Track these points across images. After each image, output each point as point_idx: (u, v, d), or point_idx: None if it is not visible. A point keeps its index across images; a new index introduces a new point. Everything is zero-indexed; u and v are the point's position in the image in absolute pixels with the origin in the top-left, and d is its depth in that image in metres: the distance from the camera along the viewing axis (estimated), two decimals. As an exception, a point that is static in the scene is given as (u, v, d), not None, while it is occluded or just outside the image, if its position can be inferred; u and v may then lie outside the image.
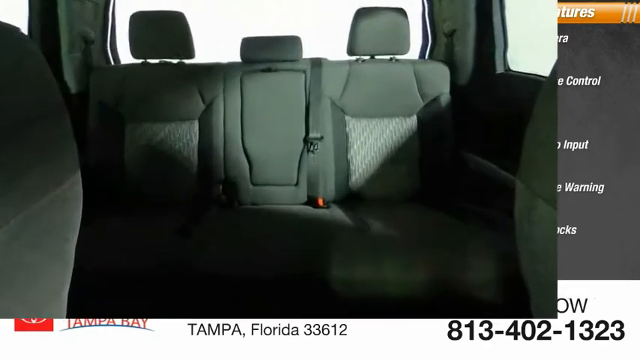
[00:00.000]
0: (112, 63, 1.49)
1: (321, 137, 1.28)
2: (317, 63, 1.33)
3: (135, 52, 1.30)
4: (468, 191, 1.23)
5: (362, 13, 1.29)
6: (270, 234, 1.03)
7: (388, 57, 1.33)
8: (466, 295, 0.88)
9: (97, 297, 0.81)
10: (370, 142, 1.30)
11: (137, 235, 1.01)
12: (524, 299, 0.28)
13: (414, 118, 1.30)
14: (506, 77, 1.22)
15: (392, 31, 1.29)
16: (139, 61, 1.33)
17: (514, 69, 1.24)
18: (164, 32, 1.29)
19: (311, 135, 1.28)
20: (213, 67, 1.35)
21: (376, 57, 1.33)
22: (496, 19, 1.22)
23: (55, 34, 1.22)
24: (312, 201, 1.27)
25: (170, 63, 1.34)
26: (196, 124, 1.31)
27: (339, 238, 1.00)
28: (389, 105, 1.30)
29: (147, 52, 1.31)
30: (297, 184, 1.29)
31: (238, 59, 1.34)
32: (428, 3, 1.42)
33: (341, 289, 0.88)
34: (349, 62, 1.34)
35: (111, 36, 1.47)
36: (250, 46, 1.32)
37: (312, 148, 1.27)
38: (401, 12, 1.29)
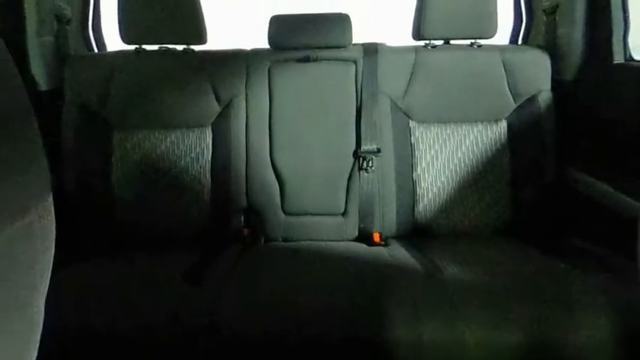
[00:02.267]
0: (96, 50, 1.22)
1: (378, 150, 1.01)
2: (372, 50, 1.05)
3: (126, 35, 1.02)
4: (577, 223, 1.01)
5: None
6: (307, 282, 0.83)
7: (468, 42, 1.07)
8: (582, 357, 0.73)
9: (94, 350, 0.72)
10: (444, 156, 1.03)
11: (132, 284, 0.82)
12: None
13: (504, 123, 1.04)
14: (628, 69, 0.97)
15: (473, 7, 1.04)
16: (132, 47, 1.05)
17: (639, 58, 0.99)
18: (165, 10, 1.02)
19: (364, 147, 1.00)
20: (231, 55, 1.08)
21: (452, 42, 1.08)
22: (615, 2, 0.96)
23: (18, 11, 0.95)
24: (365, 236, 1.01)
25: (174, 50, 1.07)
26: (209, 132, 1.03)
27: (401, 287, 0.81)
28: (469, 106, 1.04)
29: (142, 35, 1.03)
30: (344, 213, 1.03)
31: (265, 45, 1.07)
32: (521, -31, 1.15)
33: (405, 354, 0.71)
34: (415, 49, 1.07)
35: (94, 14, 1.20)
36: (282, 27, 1.05)
37: (365, 165, 1.00)
38: None
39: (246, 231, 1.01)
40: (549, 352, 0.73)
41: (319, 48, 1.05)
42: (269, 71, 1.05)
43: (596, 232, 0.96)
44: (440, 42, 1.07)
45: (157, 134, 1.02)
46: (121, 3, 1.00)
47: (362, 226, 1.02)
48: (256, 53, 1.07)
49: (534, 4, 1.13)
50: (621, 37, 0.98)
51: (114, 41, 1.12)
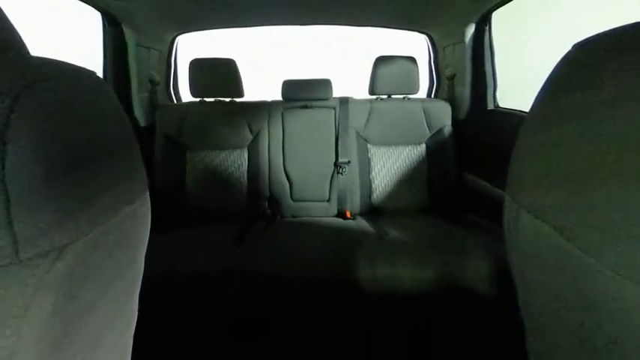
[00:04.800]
0: (175, 101, 1.49)
1: (349, 162, 1.31)
2: (344, 101, 1.36)
3: (194, 92, 1.31)
4: (470, 205, 1.27)
5: (381, 61, 1.32)
6: (308, 241, 1.05)
7: (402, 96, 1.37)
8: (467, 286, 0.90)
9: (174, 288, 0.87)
10: (388, 165, 1.33)
11: (199, 244, 1.02)
12: (513, 290, 0.28)
13: (423, 145, 1.33)
14: (496, 113, 1.27)
15: (405, 75, 1.33)
16: (197, 99, 1.34)
17: (502, 106, 1.29)
18: (219, 76, 1.30)
19: (340, 160, 1.31)
20: (259, 104, 1.37)
21: (392, 96, 1.38)
22: (487, 65, 1.27)
23: (126, 77, 1.23)
24: (341, 214, 1.30)
25: (223, 101, 1.35)
26: (245, 152, 1.32)
27: (363, 244, 1.01)
28: (403, 135, 1.33)
29: (204, 92, 1.31)
30: (329, 200, 1.32)
31: (278, 98, 1.36)
32: (433, 52, 1.46)
33: (365, 285, 0.89)
34: (370, 100, 1.37)
35: (173, 79, 1.47)
36: (290, 87, 1.34)
37: (341, 171, 1.30)
38: (412, 60, 1.33)
39: (269, 211, 1.28)
40: (452, 282, 0.91)
41: (313, 100, 1.34)
42: (282, 114, 1.33)
43: (481, 210, 1.20)
44: (385, 96, 1.36)
45: (213, 153, 1.30)
46: (190, 72, 1.29)
47: (339, 207, 1.29)
48: (274, 102, 1.36)
49: (440, 73, 1.44)
50: (492, 93, 1.29)
51: (186, 95, 1.39)
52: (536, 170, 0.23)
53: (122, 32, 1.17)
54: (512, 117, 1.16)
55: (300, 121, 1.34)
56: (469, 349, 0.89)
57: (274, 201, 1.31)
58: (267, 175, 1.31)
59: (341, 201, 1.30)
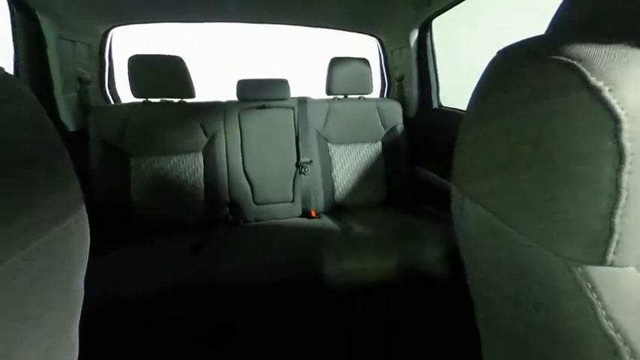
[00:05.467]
0: (112, 102, 1.31)
1: (310, 161, 1.29)
2: (303, 101, 1.34)
3: (136, 92, 1.16)
4: (424, 197, 1.34)
5: (335, 62, 1.33)
6: (273, 244, 1.01)
7: (357, 96, 1.40)
8: (425, 270, 0.95)
9: (127, 310, 0.78)
10: (348, 163, 1.35)
11: (153, 259, 0.92)
12: (463, 269, 0.30)
13: (379, 143, 1.38)
14: (439, 111, 1.36)
15: (359, 76, 1.36)
16: (141, 100, 1.19)
17: (444, 104, 1.39)
18: (164, 74, 1.17)
19: (302, 160, 1.29)
20: (213, 105, 1.27)
21: (348, 96, 1.40)
22: (430, 67, 1.36)
23: (46, 74, 1.03)
24: (306, 213, 1.28)
25: (171, 102, 1.23)
26: (201, 155, 1.22)
27: (329, 241, 1.01)
28: (360, 134, 1.36)
29: (148, 92, 1.18)
30: (292, 200, 1.29)
31: (233, 98, 1.29)
32: (383, 55, 1.52)
33: (333, 280, 0.89)
34: (328, 100, 1.38)
35: (109, 77, 1.29)
36: (246, 87, 1.28)
37: (303, 171, 1.28)
38: (365, 61, 1.36)
39: (230, 217, 1.20)
40: (412, 268, 0.94)
41: (270, 100, 1.29)
42: (239, 115, 1.26)
43: (433, 200, 1.27)
44: (341, 96, 1.38)
45: (163, 158, 1.17)
46: (130, 70, 1.14)
47: (304, 207, 1.27)
48: (230, 103, 1.28)
49: (391, 75, 1.51)
50: (436, 93, 1.39)
51: (126, 95, 1.23)
52: (474, 162, 0.25)
53: (37, 21, 0.98)
54: (453, 115, 1.26)
55: (259, 121, 1.29)
56: (430, 325, 0.94)
57: (235, 206, 1.24)
58: (227, 179, 1.24)
59: (305, 201, 1.29)
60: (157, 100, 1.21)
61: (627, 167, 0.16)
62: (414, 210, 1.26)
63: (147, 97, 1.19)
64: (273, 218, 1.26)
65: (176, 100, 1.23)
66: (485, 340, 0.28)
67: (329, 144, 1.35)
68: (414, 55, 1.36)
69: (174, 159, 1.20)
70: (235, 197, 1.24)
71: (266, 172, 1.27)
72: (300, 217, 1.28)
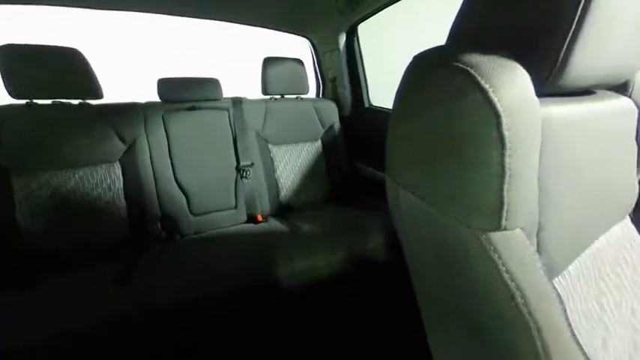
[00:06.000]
0: None
1: (252, 164, 1.24)
2: (238, 101, 1.27)
3: (14, 91, 0.91)
4: (362, 189, 1.39)
5: (269, 62, 1.30)
6: (218, 255, 0.92)
7: (294, 96, 1.40)
8: (370, 257, 0.98)
9: None
10: (291, 163, 1.33)
11: (60, 298, 0.73)
12: (402, 252, 0.33)
13: (319, 141, 1.40)
14: (370, 110, 1.44)
15: (295, 76, 1.36)
16: (23, 102, 0.94)
17: (374, 104, 1.47)
18: (57, 70, 0.94)
19: (242, 163, 1.22)
20: (129, 107, 1.09)
21: (285, 96, 1.38)
22: (359, 69, 1.44)
23: None
24: (252, 218, 1.21)
25: (68, 104, 1.00)
26: (117, 166, 1.03)
27: (279, 243, 0.98)
28: (301, 133, 1.36)
29: (33, 91, 0.93)
30: (236, 207, 1.21)
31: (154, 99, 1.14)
32: (316, 56, 1.55)
33: (285, 282, 0.87)
34: (265, 100, 1.33)
35: None
36: (169, 87, 1.14)
37: (245, 175, 1.22)
38: (299, 62, 1.37)
39: (163, 233, 1.06)
40: (358, 257, 0.96)
41: (200, 100, 1.18)
42: (163, 118, 1.12)
43: (372, 192, 1.31)
44: (278, 96, 1.35)
45: (63, 173, 0.95)
46: (3, 64, 0.88)
47: (249, 212, 1.21)
48: (150, 105, 1.12)
49: (325, 76, 1.55)
50: (366, 94, 1.47)
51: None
52: (403, 156, 0.28)
53: None
54: (382, 114, 1.36)
55: (189, 124, 1.16)
56: (381, 307, 0.99)
57: (169, 219, 1.09)
58: (155, 191, 1.08)
59: (250, 205, 1.22)
60: (48, 101, 0.97)
61: (508, 152, 0.21)
62: (356, 203, 1.30)
63: (31, 99, 0.94)
64: (215, 228, 1.16)
65: (76, 102, 1.01)
66: (424, 309, 0.31)
67: (270, 145, 1.31)
68: (343, 57, 1.42)
69: (80, 173, 0.98)
70: (167, 210, 1.09)
71: (202, 179, 1.16)
72: (246, 223, 1.21)
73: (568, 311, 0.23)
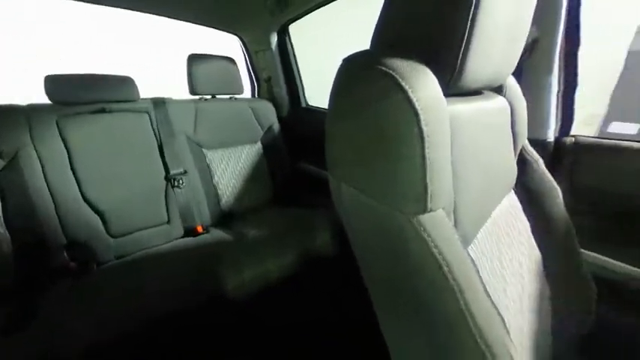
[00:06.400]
0: None
1: (185, 171, 1.11)
2: (160, 102, 1.12)
3: None
4: (307, 188, 1.39)
5: (195, 60, 1.19)
6: (151, 279, 0.82)
7: (227, 96, 1.31)
8: (319, 253, 0.99)
9: None
10: (230, 167, 1.25)
11: None
12: (349, 244, 0.35)
13: (259, 143, 1.34)
14: (308, 110, 1.45)
15: (226, 75, 1.27)
16: None
17: (311, 104, 1.49)
18: None
19: (173, 171, 1.08)
20: (6, 111, 0.86)
21: (217, 96, 1.29)
22: (294, 69, 1.44)
23: None
24: (190, 231, 1.10)
25: None
26: None
27: (224, 254, 0.91)
28: (238, 135, 1.28)
29: None
30: (169, 221, 1.07)
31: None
32: (248, 55, 1.48)
33: (235, 294, 0.83)
34: (194, 101, 1.21)
35: None
36: (62, 85, 0.93)
37: (177, 184, 1.09)
38: (231, 60, 1.29)
39: (73, 264, 0.87)
40: (309, 255, 0.97)
41: (112, 102, 1.00)
42: (58, 124, 0.91)
43: (317, 191, 1.30)
44: (209, 96, 1.25)
45: None
46: None
47: (186, 225, 1.09)
48: (37, 108, 0.90)
49: (259, 76, 1.51)
50: (302, 94, 1.47)
51: None
52: (341, 153, 0.30)
53: None
54: (319, 113, 1.40)
55: (96, 130, 0.98)
56: (334, 300, 1.01)
57: (79, 247, 0.90)
58: (55, 214, 0.88)
59: (186, 217, 1.10)
60: None
61: (427, 145, 0.24)
62: (301, 202, 1.31)
63: None
64: (144, 248, 1.01)
65: None
66: (374, 296, 0.33)
67: (204, 150, 1.20)
68: (277, 57, 1.40)
69: None
70: (75, 235, 0.90)
71: (121, 195, 0.99)
72: (184, 237, 1.09)
73: (480, 272, 0.27)
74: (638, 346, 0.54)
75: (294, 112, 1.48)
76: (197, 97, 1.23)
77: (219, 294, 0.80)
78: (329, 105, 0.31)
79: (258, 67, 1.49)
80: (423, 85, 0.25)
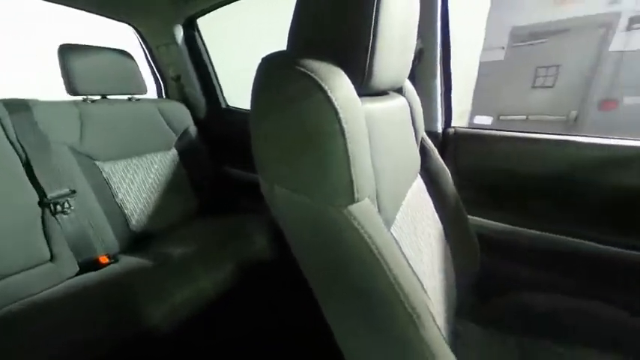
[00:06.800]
0: None
1: (73, 191, 0.88)
2: (20, 106, 0.85)
3: None
4: (236, 194, 1.31)
5: (70, 52, 0.95)
6: (38, 335, 0.64)
7: (126, 97, 1.11)
8: (259, 257, 0.96)
9: None
10: (138, 180, 1.05)
11: None
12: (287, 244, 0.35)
13: (174, 150, 1.17)
14: (228, 111, 1.36)
15: (121, 71, 1.06)
16: None
17: (231, 105, 1.38)
18: None
19: (52, 194, 0.84)
20: None
21: (110, 97, 1.07)
22: (208, 67, 1.32)
23: None
24: (90, 265, 0.88)
25: None
26: None
27: (143, 284, 0.78)
28: (146, 142, 1.09)
29: None
30: (52, 258, 0.83)
31: None
32: (147, 49, 1.28)
33: (165, 322, 0.72)
34: (75, 103, 0.97)
35: None
36: None
37: (61, 209, 0.85)
38: (125, 54, 1.08)
39: None
40: (247, 262, 0.92)
41: None
42: None
43: (248, 195, 1.25)
44: (97, 97, 1.03)
45: None
46: None
47: (82, 260, 0.87)
48: None
49: (164, 74, 1.33)
50: (220, 94, 1.35)
51: None
52: (269, 154, 0.31)
53: None
54: (242, 114, 1.33)
55: None
56: (280, 304, 0.99)
57: None
58: None
59: (80, 249, 0.88)
60: None
61: (349, 141, 0.26)
62: (231, 209, 1.23)
63: None
64: (16, 300, 0.76)
65: None
66: (317, 291, 0.34)
67: (98, 163, 0.98)
68: (185, 53, 1.25)
69: None
70: None
71: None
72: (80, 273, 0.87)
73: (402, 248, 0.32)
74: (513, 283, 0.72)
75: (213, 114, 1.37)
76: (80, 97, 0.99)
77: (146, 328, 0.69)
78: (251, 105, 0.30)
79: (162, 63, 1.31)
80: (339, 86, 0.26)
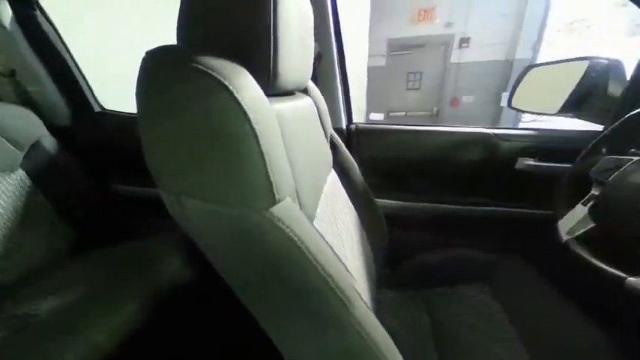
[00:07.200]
0: None
1: None
2: None
3: None
4: (131, 213, 1.12)
5: None
6: None
7: None
8: (178, 281, 0.84)
9: None
10: None
11: None
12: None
13: (20, 172, 0.87)
14: (104, 115, 1.12)
15: None
16: None
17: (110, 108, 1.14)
18: None
19: None
20: None
21: None
22: (69, 61, 1.04)
23: None
24: None
25: None
26: None
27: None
28: None
29: None
30: None
31: None
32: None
33: None
34: None
35: None
36: None
37: None
38: None
39: None
40: (157, 294, 0.76)
41: None
42: None
43: (148, 213, 1.02)
44: None
45: None
46: None
47: None
48: None
49: None
50: (91, 95, 1.10)
51: None
52: (170, 162, 0.27)
53: None
54: (126, 118, 1.11)
55: None
56: (206, 326, 0.91)
57: None
58: None
59: None
60: None
61: (261, 141, 0.25)
62: (129, 234, 1.02)
63: None
64: None
65: None
66: (245, 297, 0.32)
67: None
68: (18, 39, 0.93)
69: None
70: None
71: None
72: None
73: (325, 238, 0.33)
74: (416, 249, 0.86)
75: (84, 120, 1.09)
76: None
77: None
78: (138, 108, 0.27)
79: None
80: (245, 85, 0.25)
